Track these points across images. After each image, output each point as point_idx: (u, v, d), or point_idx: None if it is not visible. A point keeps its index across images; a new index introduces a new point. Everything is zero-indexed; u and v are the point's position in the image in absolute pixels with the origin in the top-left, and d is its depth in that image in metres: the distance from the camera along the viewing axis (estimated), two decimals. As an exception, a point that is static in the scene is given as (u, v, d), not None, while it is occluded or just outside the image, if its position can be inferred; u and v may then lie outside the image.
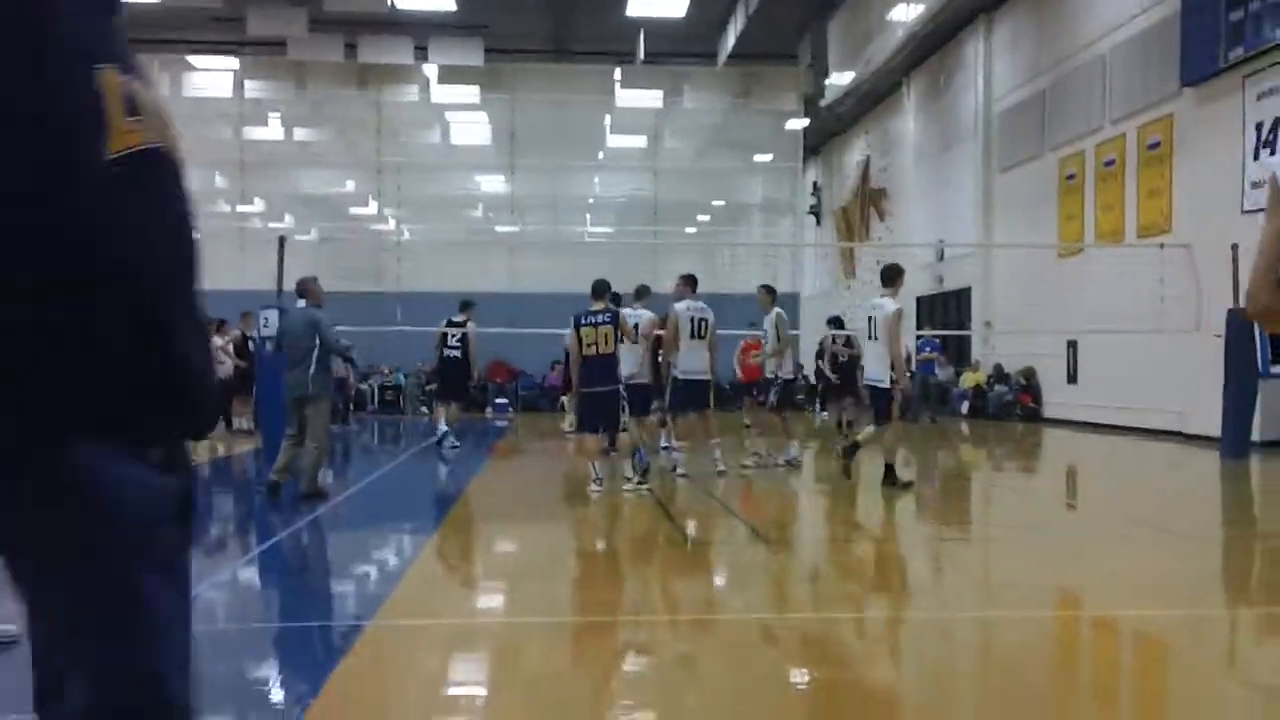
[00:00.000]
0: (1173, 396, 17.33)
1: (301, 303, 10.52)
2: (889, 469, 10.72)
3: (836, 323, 18.44)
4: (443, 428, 15.78)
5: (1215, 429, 14.71)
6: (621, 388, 10.77)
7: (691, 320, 11.90)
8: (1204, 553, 8.02)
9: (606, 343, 10.57)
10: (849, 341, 17.66)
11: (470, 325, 15.86)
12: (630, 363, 11.64)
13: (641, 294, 12.94)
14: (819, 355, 18.97)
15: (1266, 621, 5.88)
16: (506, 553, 8.48)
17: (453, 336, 15.68)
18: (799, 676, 4.88)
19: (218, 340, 18.68)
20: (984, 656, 5.28)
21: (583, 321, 10.70)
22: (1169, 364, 16.94)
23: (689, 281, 12.21)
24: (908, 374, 12.51)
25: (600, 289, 10.97)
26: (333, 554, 8.32)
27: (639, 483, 10.61)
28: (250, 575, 7.38)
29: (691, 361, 11.92)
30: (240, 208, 31.07)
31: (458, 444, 15.85)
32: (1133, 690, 4.77)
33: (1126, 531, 8.79)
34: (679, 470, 11.92)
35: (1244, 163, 16.06)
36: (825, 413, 23.70)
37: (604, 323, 10.62)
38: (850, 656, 5.23)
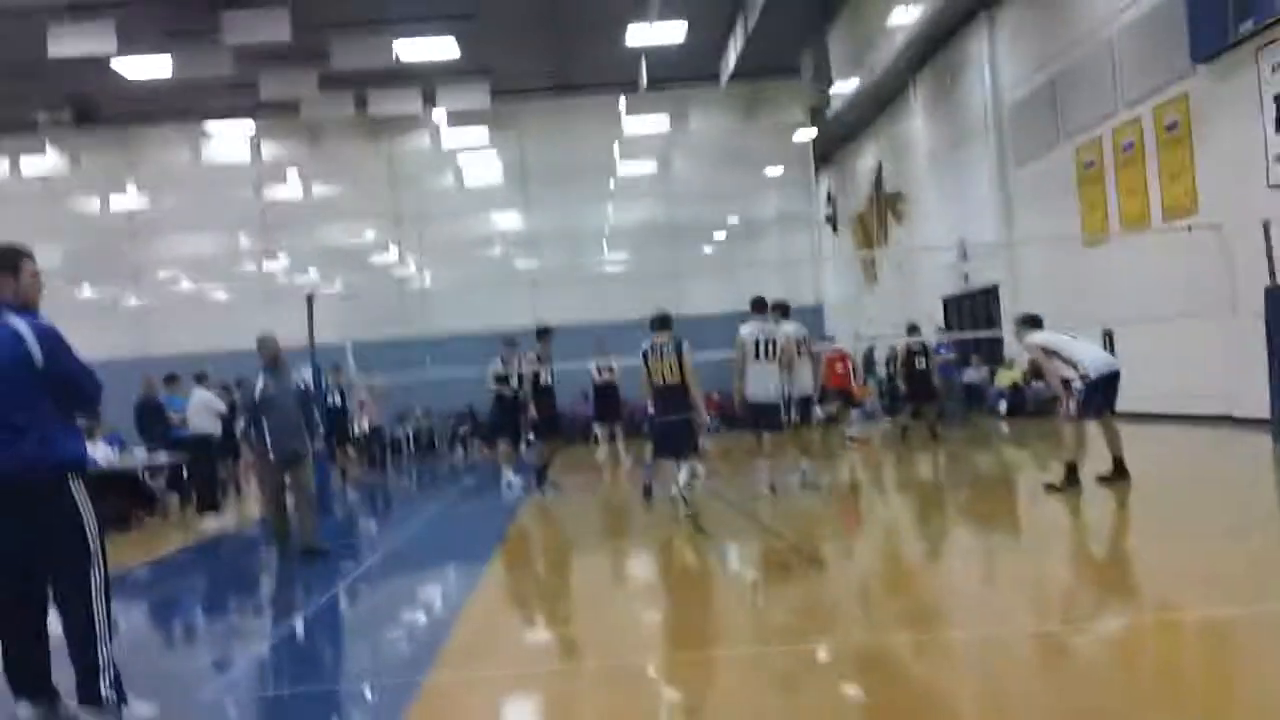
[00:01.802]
0: (1218, 381, 17.08)
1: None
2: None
3: (913, 330, 18.89)
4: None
5: (1264, 411, 14.47)
6: (694, 415, 10.99)
7: (757, 342, 11.91)
8: (1268, 546, 7.86)
9: (672, 372, 10.84)
10: (924, 348, 18.14)
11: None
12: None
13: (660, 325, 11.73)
14: (889, 361, 19.33)
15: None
16: (558, 593, 8.43)
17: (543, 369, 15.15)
18: (858, 701, 4.81)
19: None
20: (1053, 671, 5.18)
21: (649, 354, 11.00)
22: (1211, 348, 16.72)
23: (756, 304, 12.31)
24: None
25: (659, 322, 11.13)
26: (387, 606, 8.29)
27: (686, 513, 10.55)
28: (307, 633, 7.36)
29: (760, 383, 11.90)
30: (265, 266, 31.33)
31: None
32: (1199, 697, 4.67)
33: (1186, 528, 8.64)
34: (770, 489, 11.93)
35: (1265, 137, 15.90)
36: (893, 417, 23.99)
37: (667, 354, 10.87)
38: (904, 678, 5.15)
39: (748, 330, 12.06)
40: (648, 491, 12.33)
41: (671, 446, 11.05)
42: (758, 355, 11.91)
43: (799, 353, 12.70)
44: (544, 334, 15.16)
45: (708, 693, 5.16)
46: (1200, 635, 5.55)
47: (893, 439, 19.75)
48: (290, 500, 10.11)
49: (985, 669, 5.20)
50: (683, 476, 10.87)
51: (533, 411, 14.99)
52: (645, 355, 11.03)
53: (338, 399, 19.14)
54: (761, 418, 12.12)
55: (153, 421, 16.16)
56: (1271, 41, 15.57)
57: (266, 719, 5.33)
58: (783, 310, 12.90)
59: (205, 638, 7.82)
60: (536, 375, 14.92)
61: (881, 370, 28.69)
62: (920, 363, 18.43)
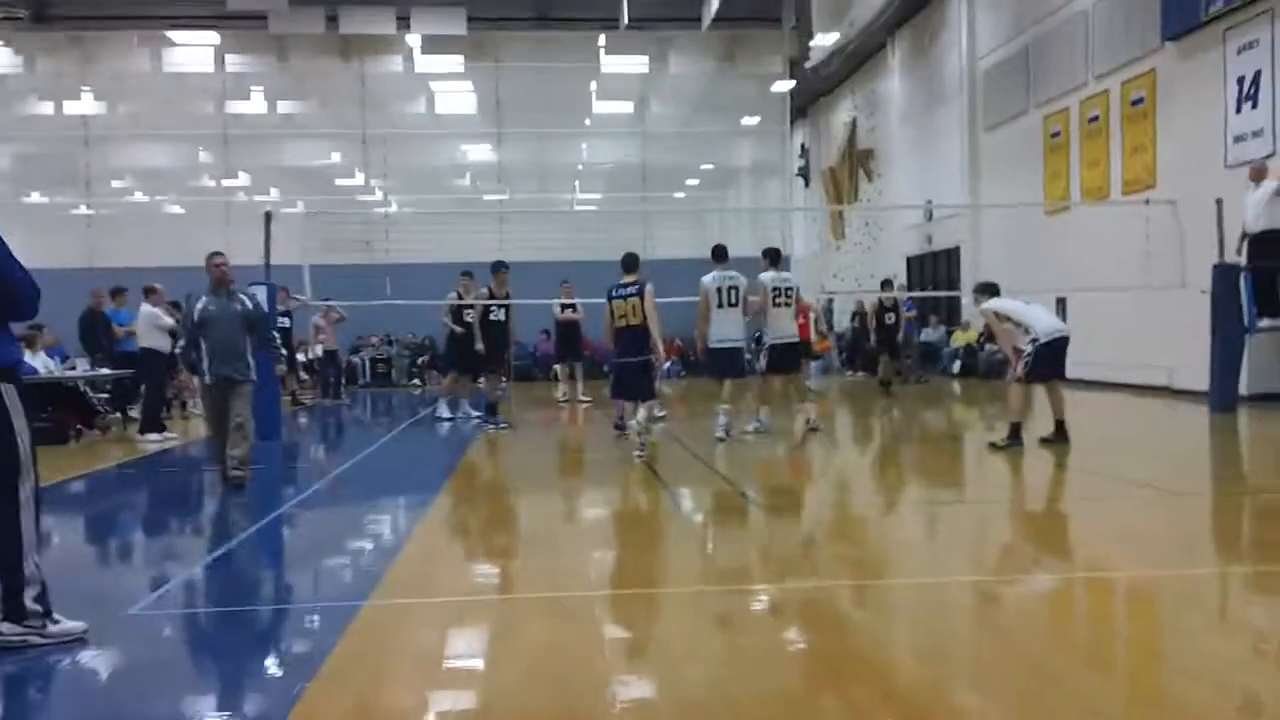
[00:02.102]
0: (1161, 352, 17.40)
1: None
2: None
3: (887, 285, 19.20)
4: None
5: (1203, 383, 14.80)
6: (652, 358, 11.08)
7: (720, 290, 12.15)
8: (1197, 510, 8.10)
9: (635, 313, 10.89)
10: (895, 304, 18.40)
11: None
12: None
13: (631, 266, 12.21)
14: (855, 315, 19.63)
15: (1261, 579, 5.94)
16: (504, 526, 8.52)
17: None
18: (799, 645, 4.93)
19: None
20: (978, 620, 5.32)
21: (614, 294, 11.08)
22: (1157, 319, 17.01)
23: (716, 253, 12.57)
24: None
25: (628, 262, 11.21)
26: (332, 530, 8.33)
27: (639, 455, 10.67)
28: (248, 554, 7.41)
29: (724, 330, 12.19)
30: (225, 182, 30.89)
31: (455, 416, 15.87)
32: (1126, 650, 4.82)
33: (1119, 489, 8.86)
34: (721, 435, 12.16)
35: (1226, 117, 16.06)
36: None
37: (630, 295, 10.93)
38: (843, 623, 5.28)
39: (710, 278, 12.26)
40: (620, 426, 12.58)
41: (627, 389, 11.13)
42: (720, 303, 12.12)
43: (781, 303, 12.75)
44: (498, 268, 15.13)
45: (646, 628, 5.26)
46: (1123, 588, 5.75)
47: (854, 392, 20.03)
48: (248, 422, 9.81)
49: (916, 615, 5.35)
50: (640, 416, 10.97)
51: (479, 345, 14.96)
52: (609, 296, 11.11)
53: (286, 321, 19.04)
54: (723, 363, 12.33)
55: (97, 334, 15.99)
56: (1240, 23, 15.69)
57: (198, 637, 5.36)
58: (772, 258, 13.06)
59: (138, 556, 7.83)
60: (487, 310, 14.87)
61: (843, 324, 28.96)
62: (890, 318, 18.70)
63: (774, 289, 12.60)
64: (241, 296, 9.71)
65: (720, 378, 12.56)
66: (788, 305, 12.69)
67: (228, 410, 9.54)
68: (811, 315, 19.37)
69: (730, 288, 12.19)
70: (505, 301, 15.03)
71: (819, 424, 13.02)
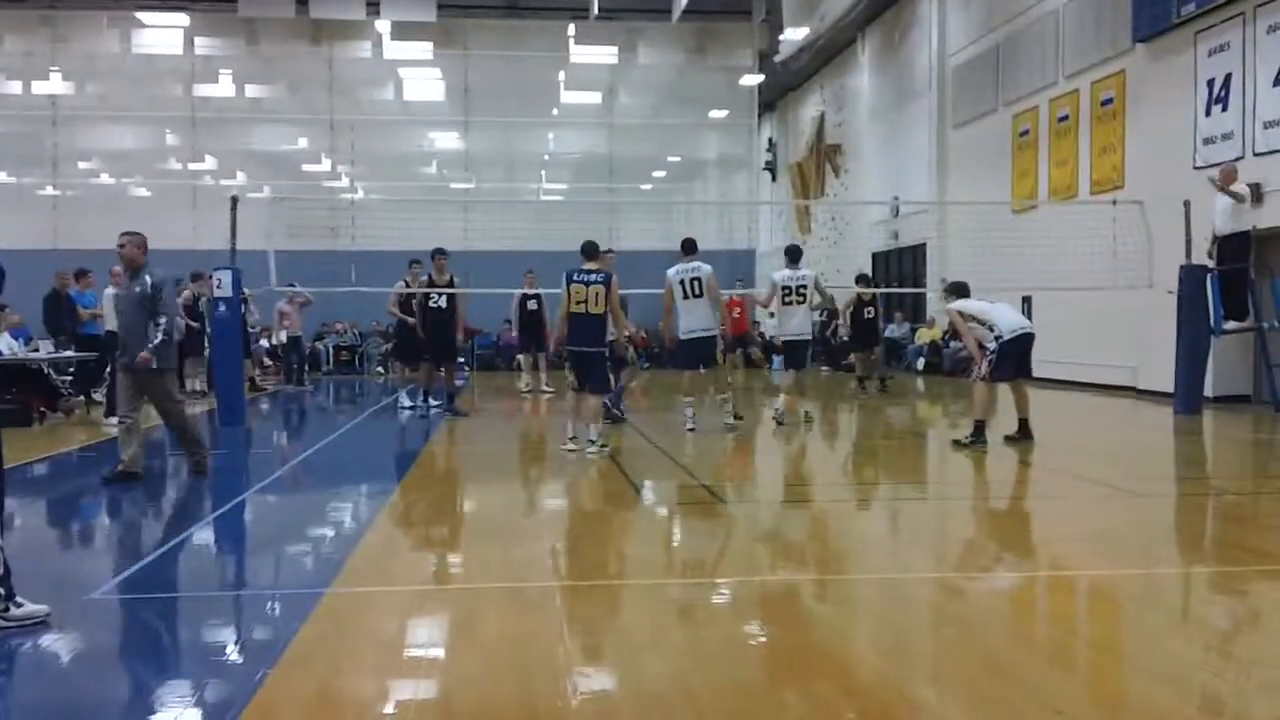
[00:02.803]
0: (1126, 352, 17.56)
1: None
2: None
3: (862, 280, 19.28)
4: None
5: (1168, 384, 14.92)
6: (607, 350, 10.95)
7: (682, 282, 12.23)
8: (1159, 510, 8.17)
9: (596, 302, 10.57)
10: (874, 299, 18.52)
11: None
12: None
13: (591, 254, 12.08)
14: (823, 311, 19.64)
15: (1220, 579, 5.99)
16: (466, 515, 8.50)
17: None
18: (760, 639, 4.93)
19: (172, 301, 18.47)
20: (940, 617, 5.33)
21: (574, 278, 10.65)
22: (1123, 319, 17.16)
23: (685, 246, 12.69)
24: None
25: (589, 250, 10.91)
26: (295, 517, 8.27)
27: (602, 445, 10.62)
28: (210, 539, 7.35)
29: (691, 321, 12.31)
30: (192, 165, 30.64)
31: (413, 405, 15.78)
32: (1087, 649, 4.84)
33: (1082, 488, 8.93)
34: (691, 427, 12.33)
35: (1196, 119, 16.20)
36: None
37: (596, 282, 10.61)
38: (805, 618, 5.28)
39: (673, 271, 12.33)
40: (609, 412, 12.49)
41: (583, 379, 10.91)
42: (685, 294, 12.15)
43: (793, 300, 13.06)
44: (437, 254, 14.91)
45: (607, 619, 5.25)
46: (1085, 587, 5.78)
47: (825, 388, 20.08)
48: (170, 411, 9.49)
49: (878, 610, 5.36)
50: (592, 404, 10.94)
51: (420, 333, 14.88)
52: (569, 279, 10.73)
53: (250, 309, 18.88)
54: (692, 353, 12.50)
55: (61, 316, 15.81)
56: (1210, 26, 15.82)
57: (160, 622, 5.30)
58: (792, 255, 13.37)
59: (101, 540, 7.76)
60: (427, 297, 14.77)
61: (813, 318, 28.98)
62: (869, 312, 18.74)
63: (784, 287, 12.90)
64: (145, 278, 9.18)
65: (688, 368, 12.58)
66: (800, 303, 12.96)
67: (143, 398, 9.24)
68: (745, 309, 19.48)
69: (693, 279, 12.22)
70: (447, 289, 14.79)
71: (785, 417, 13.07)
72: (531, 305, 18.66)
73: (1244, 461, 11.34)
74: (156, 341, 9.01)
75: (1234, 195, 14.01)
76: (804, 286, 13.02)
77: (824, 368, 25.22)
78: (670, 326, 12.61)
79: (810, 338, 13.82)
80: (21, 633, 4.75)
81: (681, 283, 12.23)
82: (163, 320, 9.06)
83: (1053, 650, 4.74)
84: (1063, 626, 5.21)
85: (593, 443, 10.58)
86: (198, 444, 9.60)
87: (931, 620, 5.27)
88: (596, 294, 10.56)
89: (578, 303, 10.60)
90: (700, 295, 12.22)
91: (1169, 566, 6.36)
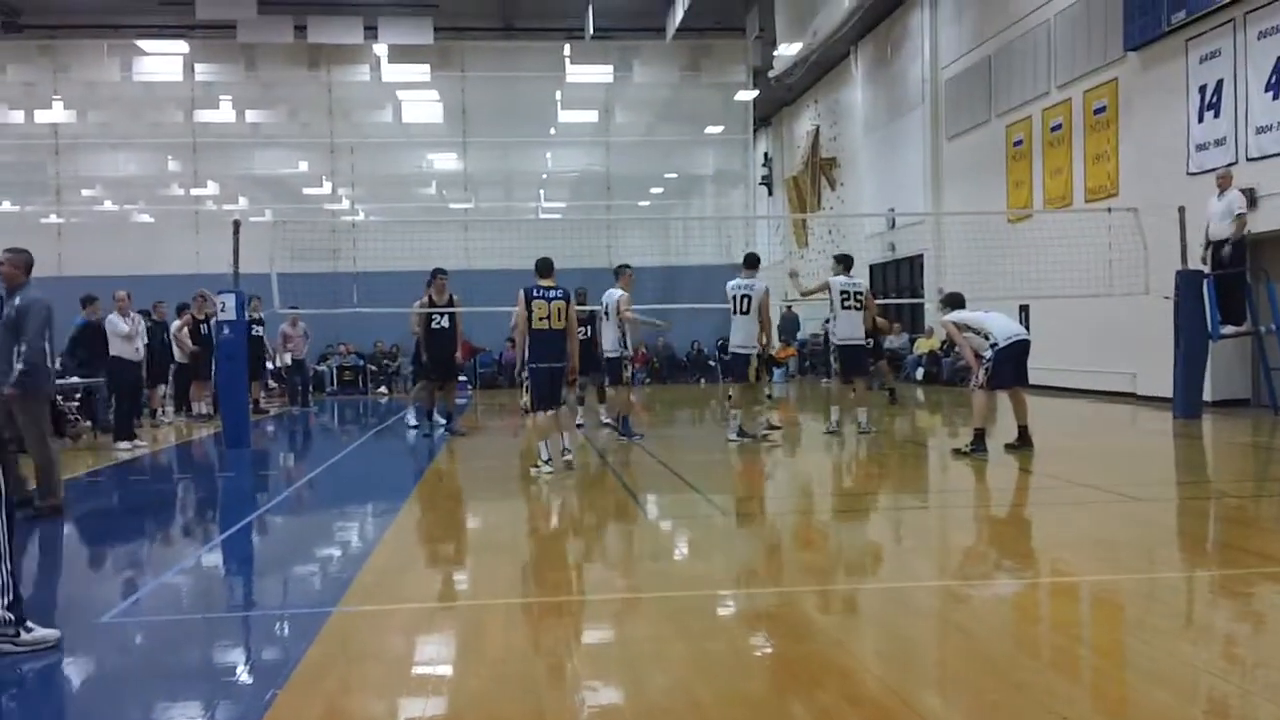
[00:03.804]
0: (1125, 358, 17.63)
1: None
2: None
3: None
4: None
5: (1167, 390, 14.98)
6: (568, 364, 10.86)
7: (735, 297, 12.61)
8: (1161, 514, 8.21)
9: (558, 318, 10.58)
10: (882, 310, 18.95)
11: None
12: (611, 339, 13.12)
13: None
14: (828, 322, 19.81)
15: (1223, 582, 6.04)
16: (470, 533, 8.56)
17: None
18: (765, 649, 4.98)
19: (174, 325, 18.59)
20: (944, 624, 5.37)
21: (534, 295, 10.61)
22: (1120, 326, 17.22)
23: (747, 260, 13.17)
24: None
25: (546, 267, 10.88)
26: (301, 537, 8.34)
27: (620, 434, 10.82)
28: (219, 561, 7.41)
29: (735, 336, 12.75)
30: (194, 191, 30.77)
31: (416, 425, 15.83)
32: (1092, 654, 4.89)
33: (1082, 494, 8.98)
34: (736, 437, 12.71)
35: (1188, 126, 16.29)
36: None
37: (556, 298, 10.62)
38: (809, 628, 5.33)
39: (732, 284, 12.73)
40: (613, 427, 13.17)
41: (551, 395, 10.88)
42: (735, 310, 12.63)
43: (851, 305, 13.44)
44: (437, 274, 14.85)
45: (613, 633, 5.30)
46: (1087, 592, 5.83)
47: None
48: (35, 443, 8.75)
49: (882, 619, 5.40)
50: (561, 414, 11.10)
51: (423, 355, 14.94)
52: (528, 295, 10.63)
53: (258, 330, 19.06)
54: (731, 367, 13.11)
55: (92, 344, 15.84)
56: (1201, 33, 15.92)
57: (169, 644, 5.35)
58: (846, 264, 13.82)
59: (110, 564, 7.78)
60: (429, 318, 14.78)
61: (807, 331, 29.10)
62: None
63: (842, 292, 13.24)
64: (18, 299, 8.43)
65: (733, 380, 13.22)
66: (857, 308, 13.27)
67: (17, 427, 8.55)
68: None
69: (744, 295, 12.57)
70: (448, 309, 14.84)
71: (760, 431, 13.12)
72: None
73: (1244, 465, 11.37)
74: (17, 371, 8.32)
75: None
76: (860, 292, 13.49)
77: (825, 379, 25.29)
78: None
79: (865, 343, 13.95)
80: (32, 657, 4.80)
81: (734, 297, 12.60)
82: (23, 348, 8.36)
83: (1057, 656, 4.78)
84: (1067, 632, 5.24)
85: (568, 450, 10.82)
86: (53, 489, 8.93)
87: (936, 628, 5.31)
88: (559, 309, 10.58)
89: (541, 318, 10.54)
90: (748, 312, 12.52)
91: (1172, 571, 6.41)
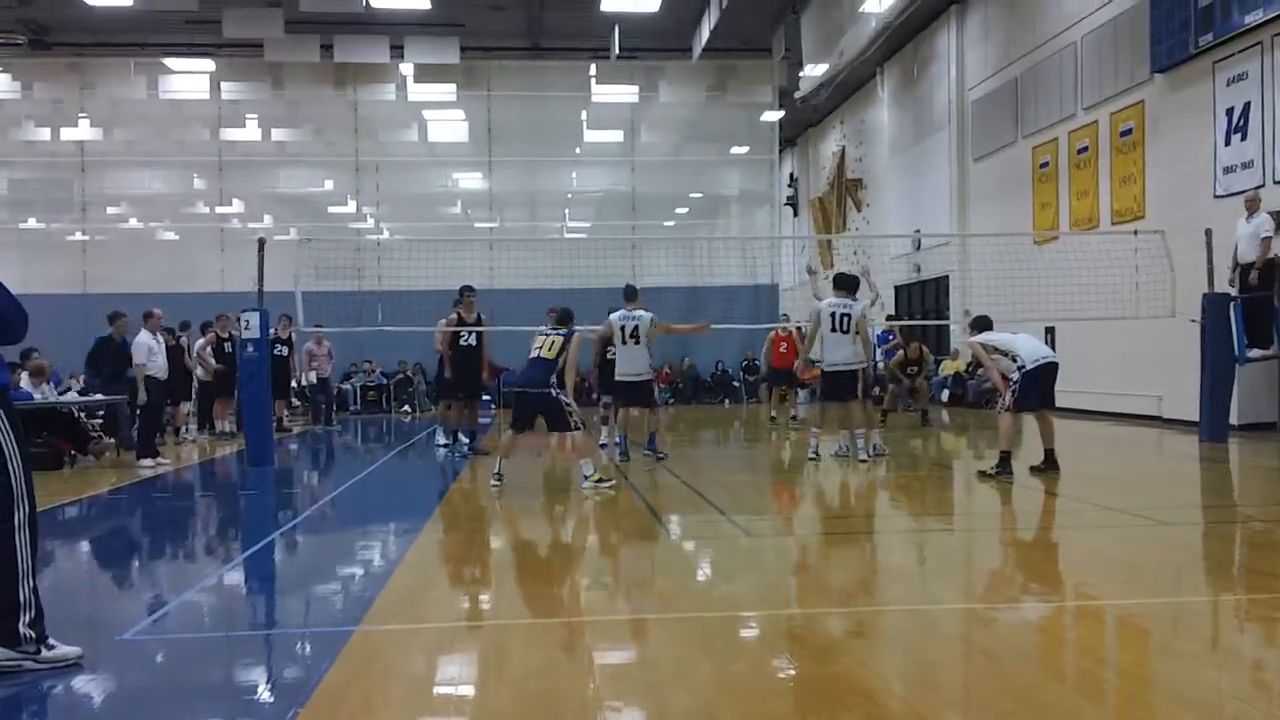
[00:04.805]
0: (1151, 381, 17.52)
1: None
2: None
3: (892, 318, 19.77)
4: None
5: (1193, 413, 14.88)
6: (551, 392, 11.09)
7: (833, 315, 12.66)
8: (1187, 539, 8.13)
9: (549, 350, 11.12)
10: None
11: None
12: (642, 362, 13.07)
13: (631, 296, 13.45)
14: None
15: (1251, 607, 5.97)
16: (493, 552, 8.53)
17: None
18: (788, 671, 4.94)
19: (199, 343, 18.69)
20: (968, 647, 5.33)
21: (540, 331, 11.57)
22: (1146, 349, 17.12)
23: (838, 281, 13.19)
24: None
25: (565, 316, 11.71)
26: (323, 556, 8.33)
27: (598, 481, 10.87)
28: (241, 579, 7.41)
29: (835, 354, 12.73)
30: (219, 209, 30.98)
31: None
32: (1117, 678, 4.83)
33: (1109, 518, 8.90)
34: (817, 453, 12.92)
35: (1215, 148, 16.22)
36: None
37: (554, 336, 11.24)
38: (833, 649, 5.28)
39: (826, 304, 12.82)
40: (621, 450, 13.34)
41: (522, 416, 11.19)
42: (834, 328, 12.64)
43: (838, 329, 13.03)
44: (465, 292, 14.92)
45: (635, 654, 5.28)
46: (1113, 617, 5.75)
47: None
48: None
49: (906, 641, 5.35)
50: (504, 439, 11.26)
51: (447, 372, 14.97)
52: (539, 330, 11.67)
53: (284, 349, 19.13)
54: (832, 386, 12.97)
55: (108, 361, 15.95)
56: (1228, 56, 15.85)
57: (191, 662, 5.35)
58: (850, 287, 13.24)
59: (132, 581, 7.77)
60: (456, 336, 14.79)
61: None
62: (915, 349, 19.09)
63: (831, 315, 12.79)
64: None
65: (832, 400, 13.17)
66: (844, 332, 12.75)
67: None
68: (795, 344, 19.53)
69: (843, 314, 12.64)
70: (476, 327, 14.90)
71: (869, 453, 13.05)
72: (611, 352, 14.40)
73: (1271, 489, 11.25)
74: None
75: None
76: (849, 315, 13.00)
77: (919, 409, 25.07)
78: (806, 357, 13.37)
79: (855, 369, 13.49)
80: (53, 675, 4.79)
81: (833, 315, 12.64)
82: None
83: (1082, 679, 4.73)
84: (1092, 656, 5.19)
85: (586, 478, 10.84)
86: None
87: (960, 650, 5.27)
88: (552, 343, 11.11)
89: (535, 348, 11.22)
90: (848, 331, 12.62)
91: (1198, 595, 6.34)
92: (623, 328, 13.10)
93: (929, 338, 26.18)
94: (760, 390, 29.01)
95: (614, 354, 13.67)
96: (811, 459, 12.90)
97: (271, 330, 15.85)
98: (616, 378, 13.27)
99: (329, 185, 31.90)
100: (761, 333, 28.82)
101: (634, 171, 31.84)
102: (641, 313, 13.19)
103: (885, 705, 4.31)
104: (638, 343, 13.06)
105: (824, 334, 12.78)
